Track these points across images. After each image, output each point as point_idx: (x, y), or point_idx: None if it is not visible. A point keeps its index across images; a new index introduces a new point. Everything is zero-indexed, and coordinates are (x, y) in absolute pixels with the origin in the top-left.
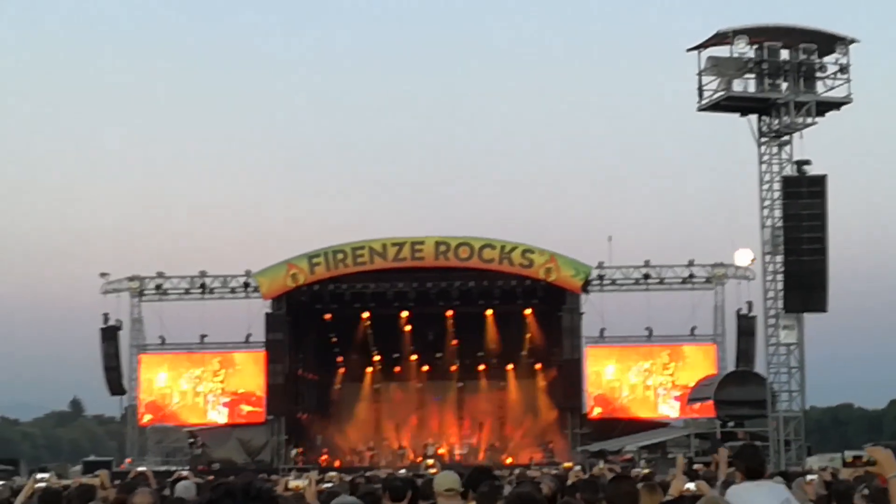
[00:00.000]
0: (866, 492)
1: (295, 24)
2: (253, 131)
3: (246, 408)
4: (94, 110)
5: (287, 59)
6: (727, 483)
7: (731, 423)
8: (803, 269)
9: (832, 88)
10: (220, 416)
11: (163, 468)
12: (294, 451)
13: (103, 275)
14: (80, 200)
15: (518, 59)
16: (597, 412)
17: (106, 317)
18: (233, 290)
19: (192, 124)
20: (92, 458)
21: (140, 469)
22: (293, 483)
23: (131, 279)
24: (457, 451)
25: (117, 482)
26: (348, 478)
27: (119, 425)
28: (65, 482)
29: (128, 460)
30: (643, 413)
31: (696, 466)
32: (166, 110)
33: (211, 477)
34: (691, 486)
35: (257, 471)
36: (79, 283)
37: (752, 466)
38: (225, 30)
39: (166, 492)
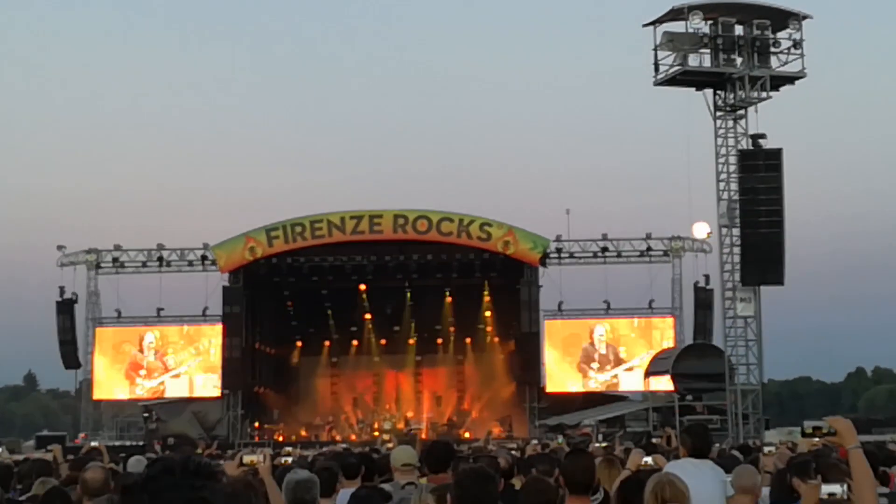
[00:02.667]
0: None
1: None
2: (209, 103)
3: (202, 381)
4: (49, 84)
5: (244, 30)
6: (676, 457)
7: (689, 397)
8: (760, 242)
9: (786, 63)
10: (175, 389)
11: (117, 443)
12: (250, 426)
13: (60, 247)
14: (36, 172)
15: (474, 34)
16: (554, 386)
17: (62, 290)
18: (190, 263)
19: (149, 96)
20: (45, 432)
21: (93, 444)
22: (248, 458)
23: (88, 252)
24: (415, 426)
25: (71, 457)
26: (306, 452)
27: (74, 400)
28: (17, 457)
29: (82, 435)
30: (601, 386)
31: (654, 440)
32: (123, 82)
33: (167, 451)
34: (648, 459)
35: (209, 445)
36: (35, 256)
37: (698, 445)
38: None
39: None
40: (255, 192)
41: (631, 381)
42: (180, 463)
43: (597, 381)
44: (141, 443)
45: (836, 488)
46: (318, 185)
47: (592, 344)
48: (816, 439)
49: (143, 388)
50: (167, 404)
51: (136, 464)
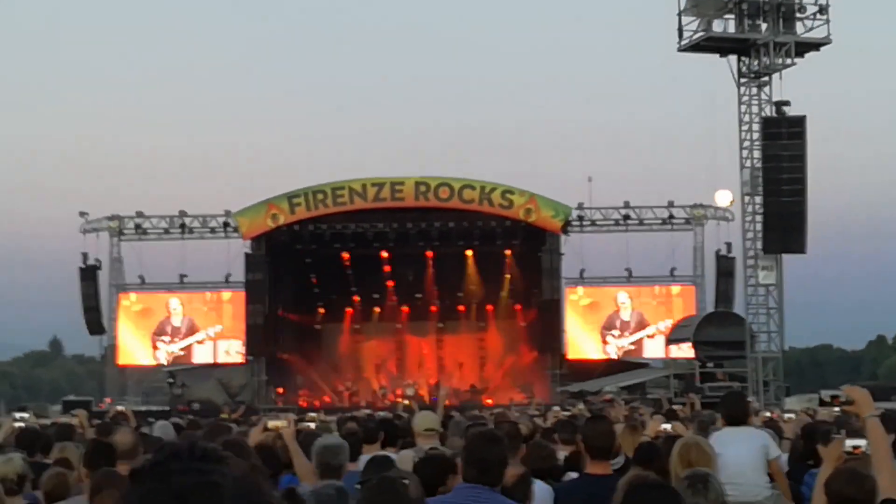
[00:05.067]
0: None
1: None
2: (232, 69)
3: (226, 348)
4: (71, 49)
5: None
6: (702, 423)
7: (710, 364)
8: (783, 210)
9: (811, 29)
10: (199, 355)
11: (142, 408)
12: (274, 392)
13: (82, 214)
14: (59, 139)
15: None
16: (575, 353)
17: (85, 256)
18: (212, 230)
19: (171, 62)
20: (71, 397)
21: (119, 408)
22: (272, 423)
23: (110, 218)
24: (438, 392)
25: (97, 421)
26: (330, 418)
27: (99, 365)
28: (43, 421)
29: (107, 400)
30: (621, 353)
31: (675, 407)
32: (145, 47)
33: (190, 416)
34: (667, 426)
35: (234, 411)
36: (58, 223)
37: (733, 414)
38: None
39: (144, 430)
40: (275, 159)
41: (652, 347)
42: (187, 447)
43: (617, 349)
44: (166, 408)
45: (860, 441)
46: (338, 151)
47: (617, 311)
48: (835, 408)
49: (167, 354)
50: (192, 370)
51: (162, 428)
